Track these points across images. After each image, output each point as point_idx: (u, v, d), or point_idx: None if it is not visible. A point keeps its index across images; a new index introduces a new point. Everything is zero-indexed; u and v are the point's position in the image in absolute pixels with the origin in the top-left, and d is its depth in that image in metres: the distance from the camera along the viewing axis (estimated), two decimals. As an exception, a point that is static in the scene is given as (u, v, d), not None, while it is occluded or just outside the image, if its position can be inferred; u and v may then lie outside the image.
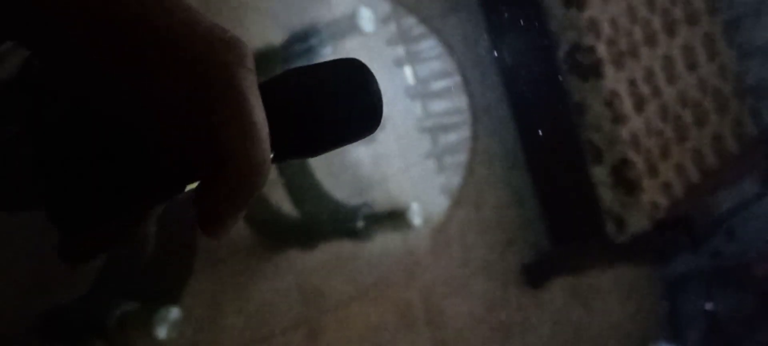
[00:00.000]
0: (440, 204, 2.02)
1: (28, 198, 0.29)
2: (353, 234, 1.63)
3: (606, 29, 2.15)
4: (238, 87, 0.25)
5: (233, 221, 0.27)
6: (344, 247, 1.71)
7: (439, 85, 2.21)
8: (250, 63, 0.25)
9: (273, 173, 1.69)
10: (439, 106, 2.19)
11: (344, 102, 0.27)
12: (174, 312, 1.31)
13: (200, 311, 1.43)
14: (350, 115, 0.28)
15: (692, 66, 2.46)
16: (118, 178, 0.27)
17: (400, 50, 2.10)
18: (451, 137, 2.18)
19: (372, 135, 0.30)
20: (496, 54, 2.26)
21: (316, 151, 0.28)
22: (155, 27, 0.24)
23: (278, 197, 1.62)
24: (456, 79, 2.22)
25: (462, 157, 2.15)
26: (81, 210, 0.28)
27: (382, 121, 0.28)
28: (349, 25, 1.66)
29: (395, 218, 1.72)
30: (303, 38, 1.56)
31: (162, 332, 1.28)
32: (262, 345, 1.55)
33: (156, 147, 0.27)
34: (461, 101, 2.23)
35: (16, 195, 0.29)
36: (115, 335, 1.25)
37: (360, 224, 1.62)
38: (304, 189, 1.65)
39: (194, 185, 0.27)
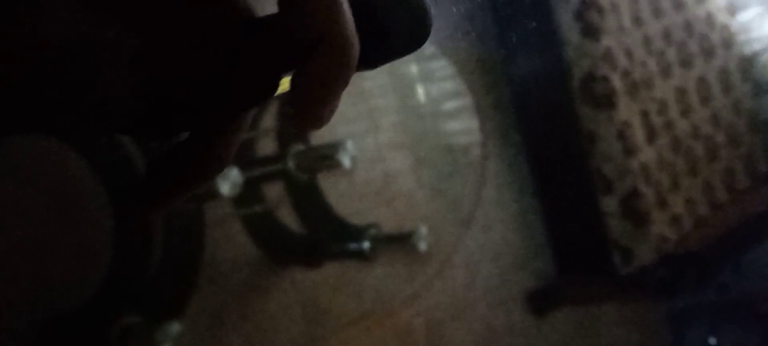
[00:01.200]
0: (448, 226, 2.01)
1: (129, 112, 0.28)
2: (359, 255, 1.63)
3: (621, 60, 2.15)
4: None
5: (331, 107, 0.27)
6: (349, 267, 1.70)
7: (450, 105, 2.20)
8: None
9: (281, 190, 1.68)
10: (450, 126, 2.19)
11: (396, 13, 0.28)
12: (176, 327, 1.30)
13: (203, 326, 1.42)
14: (403, 26, 0.29)
15: (706, 100, 2.45)
16: (218, 76, 0.27)
17: (412, 68, 2.10)
18: (461, 159, 2.17)
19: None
20: (509, 78, 2.26)
21: (376, 62, 0.29)
22: None
23: (285, 213, 1.61)
24: (468, 100, 2.22)
25: (472, 180, 2.14)
26: (180, 113, 0.28)
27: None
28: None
29: (402, 240, 1.71)
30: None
31: (163, 347, 1.27)
32: (263, 363, 1.54)
33: (250, 40, 0.27)
34: (472, 123, 2.23)
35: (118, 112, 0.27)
36: (116, 348, 1.25)
37: (366, 244, 1.62)
38: (312, 207, 1.64)
39: (286, 83, 0.27)
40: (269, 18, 0.27)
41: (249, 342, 1.52)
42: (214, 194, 1.30)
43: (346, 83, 0.27)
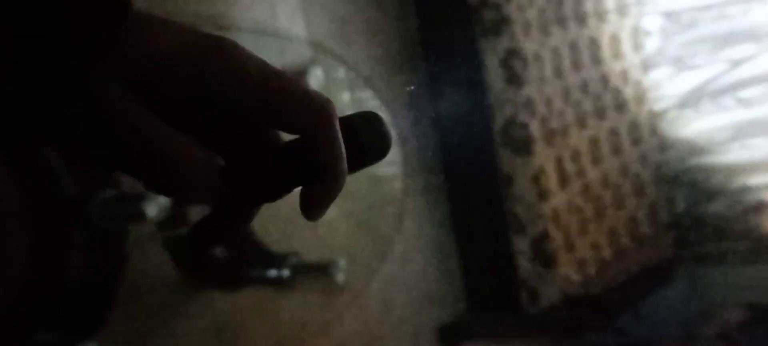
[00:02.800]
0: (367, 256, 2.06)
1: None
2: (278, 282, 1.66)
3: (541, 108, 2.26)
4: (334, 126, 0.38)
5: (327, 209, 0.40)
6: (268, 293, 1.73)
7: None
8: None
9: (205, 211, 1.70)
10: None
11: (366, 136, 0.40)
12: (90, 346, 1.30)
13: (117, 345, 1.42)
14: (375, 145, 0.41)
15: (617, 150, 2.60)
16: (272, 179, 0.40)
17: (345, 96, 2.16)
18: (384, 191, 2.23)
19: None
20: (435, 116, 2.34)
21: (352, 170, 0.40)
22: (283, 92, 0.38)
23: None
24: (393, 133, 2.29)
25: (392, 212, 2.21)
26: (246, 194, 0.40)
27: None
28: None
29: (321, 269, 1.76)
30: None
31: (75, 366, 1.27)
32: (175, 384, 1.55)
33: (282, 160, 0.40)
34: (396, 157, 2.30)
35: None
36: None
37: (286, 272, 1.65)
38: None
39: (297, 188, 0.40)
40: (293, 146, 0.39)
41: (162, 363, 1.52)
42: (141, 216, 1.31)
43: (338, 194, 0.39)
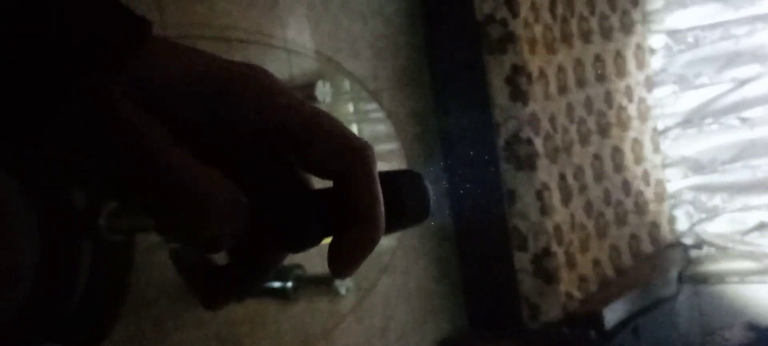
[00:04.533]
0: (370, 269, 2.07)
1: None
2: (282, 293, 1.67)
3: (545, 124, 2.27)
4: (374, 172, 0.35)
5: (358, 265, 0.36)
6: (271, 304, 1.74)
7: (380, 148, 2.28)
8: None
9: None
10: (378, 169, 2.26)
11: (408, 195, 0.37)
12: (94, 356, 1.31)
13: (120, 356, 1.43)
14: (415, 208, 0.38)
15: (619, 168, 2.61)
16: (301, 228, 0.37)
17: (349, 107, 2.17)
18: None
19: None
20: (439, 131, 2.35)
21: (389, 231, 0.37)
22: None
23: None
24: (397, 145, 2.30)
25: (395, 225, 2.22)
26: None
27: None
28: (305, 95, 1.72)
29: (323, 282, 1.76)
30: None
31: (79, 376, 1.28)
32: (177, 394, 1.56)
33: (312, 206, 0.37)
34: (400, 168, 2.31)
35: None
36: (31, 374, 1.24)
37: (290, 284, 1.66)
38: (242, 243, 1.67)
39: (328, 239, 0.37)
40: (326, 191, 0.36)
41: (165, 374, 1.53)
42: (149, 227, 1.32)
43: (372, 251, 0.36)
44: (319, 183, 0.37)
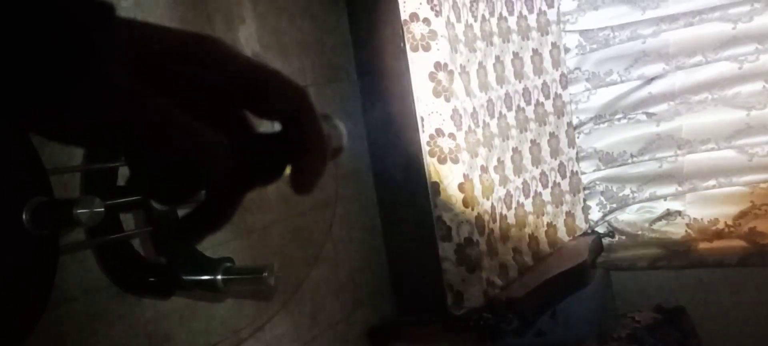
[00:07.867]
0: (298, 261, 2.10)
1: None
2: (211, 287, 1.68)
3: (466, 120, 2.36)
4: (313, 108, 0.41)
5: (316, 183, 0.42)
6: (200, 298, 1.75)
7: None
8: None
9: (140, 219, 1.71)
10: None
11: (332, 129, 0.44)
12: (19, 352, 1.29)
13: (47, 351, 1.42)
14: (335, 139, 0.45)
15: (538, 161, 2.73)
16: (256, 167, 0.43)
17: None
18: (315, 197, 2.28)
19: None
20: (366, 127, 2.41)
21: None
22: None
23: (141, 243, 1.64)
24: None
25: (323, 218, 2.26)
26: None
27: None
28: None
29: (254, 274, 1.78)
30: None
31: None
32: (106, 389, 1.55)
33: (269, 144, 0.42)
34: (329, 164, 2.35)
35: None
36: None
37: (219, 277, 1.67)
38: (169, 236, 1.67)
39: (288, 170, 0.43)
40: (279, 133, 0.42)
41: (94, 368, 1.52)
42: (73, 222, 1.32)
43: (324, 170, 0.42)
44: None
